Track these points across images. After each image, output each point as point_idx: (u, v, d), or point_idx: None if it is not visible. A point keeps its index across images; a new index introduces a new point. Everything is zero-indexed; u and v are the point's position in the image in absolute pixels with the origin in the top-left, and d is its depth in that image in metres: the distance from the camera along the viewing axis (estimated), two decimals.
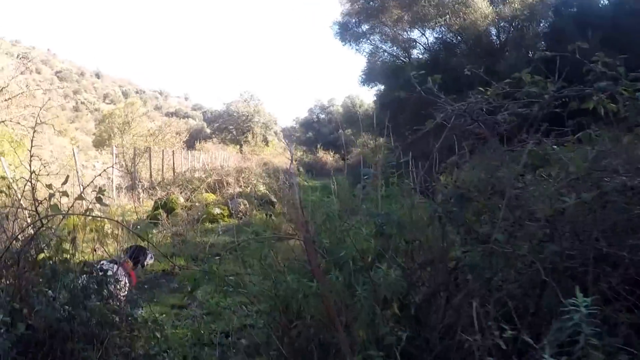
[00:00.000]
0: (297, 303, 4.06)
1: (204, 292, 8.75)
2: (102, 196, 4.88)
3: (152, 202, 19.15)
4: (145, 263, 7.91)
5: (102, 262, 7.11)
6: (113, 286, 5.43)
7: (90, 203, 5.11)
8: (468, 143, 4.02)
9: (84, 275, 5.03)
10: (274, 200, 18.93)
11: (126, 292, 7.11)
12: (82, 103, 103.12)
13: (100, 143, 39.43)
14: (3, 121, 21.41)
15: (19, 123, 21.90)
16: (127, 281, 7.20)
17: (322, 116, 79.32)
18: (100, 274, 5.20)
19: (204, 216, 16.03)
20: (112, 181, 22.48)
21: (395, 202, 4.50)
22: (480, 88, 4.03)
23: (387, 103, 28.72)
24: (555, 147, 3.58)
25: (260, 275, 5.06)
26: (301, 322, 4.17)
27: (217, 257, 11.67)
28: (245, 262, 5.72)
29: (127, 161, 28.54)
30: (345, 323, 3.65)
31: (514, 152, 3.71)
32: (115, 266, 7.00)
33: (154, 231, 14.28)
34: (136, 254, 7.71)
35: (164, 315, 7.41)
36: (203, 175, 21.56)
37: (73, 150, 20.70)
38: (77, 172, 19.10)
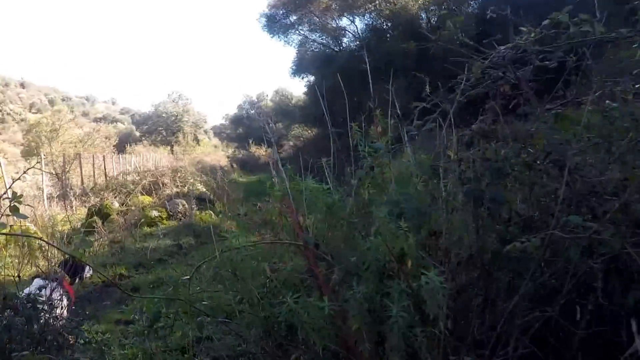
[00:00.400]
0: (303, 331, 2.95)
1: (152, 302, 8.21)
2: (17, 205, 3.67)
3: (86, 210, 18.33)
4: (84, 276, 7.27)
5: (35, 278, 6.50)
6: (48, 315, 4.80)
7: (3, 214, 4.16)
8: (492, 105, 3.23)
9: (7, 311, 4.32)
10: (213, 198, 18.37)
11: (65, 314, 6.53)
12: (8, 114, 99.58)
13: (28, 153, 37.93)
14: None
15: None
16: (65, 300, 6.61)
17: (252, 111, 78.93)
18: (29, 305, 4.52)
19: (142, 220, 15.37)
20: (42, 191, 21.51)
21: (404, 186, 3.33)
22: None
23: (321, 93, 28.45)
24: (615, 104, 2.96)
25: (244, 296, 3.72)
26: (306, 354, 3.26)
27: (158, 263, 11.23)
28: (220, 278, 4.07)
29: (57, 169, 27.51)
30: (371, 353, 2.84)
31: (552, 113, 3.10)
32: (51, 283, 6.41)
33: (91, 239, 13.56)
34: (73, 268, 7.09)
35: (108, 334, 6.87)
36: (137, 178, 20.75)
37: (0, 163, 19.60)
38: (5, 183, 18.08)
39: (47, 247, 13.84)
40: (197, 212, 16.39)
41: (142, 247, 11.90)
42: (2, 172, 18.57)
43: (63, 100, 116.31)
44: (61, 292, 6.54)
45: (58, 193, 24.33)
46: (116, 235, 12.70)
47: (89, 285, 9.50)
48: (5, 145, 72.09)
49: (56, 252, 12.36)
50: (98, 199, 18.50)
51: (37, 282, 6.40)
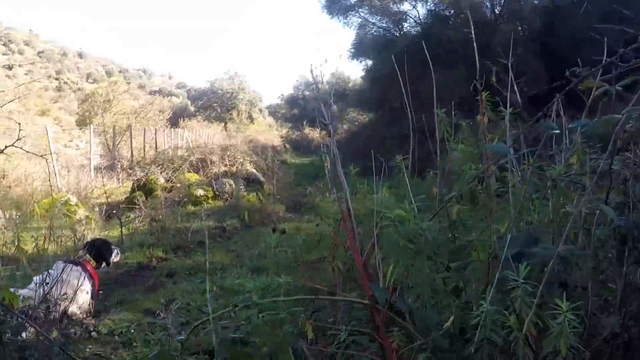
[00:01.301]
0: None
1: (184, 293, 7.54)
2: None
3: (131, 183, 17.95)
4: (111, 260, 6.61)
5: (57, 262, 5.90)
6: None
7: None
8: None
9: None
10: (262, 179, 17.71)
11: (87, 301, 5.92)
12: (65, 83, 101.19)
13: (82, 122, 37.97)
14: None
15: None
16: (88, 286, 6.00)
17: (307, 93, 78.32)
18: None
19: (186, 198, 14.81)
20: (90, 161, 21.22)
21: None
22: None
23: (377, 78, 27.67)
24: None
25: None
26: None
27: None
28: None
29: (107, 140, 27.30)
30: None
31: None
32: (74, 267, 5.81)
33: (131, 216, 13.09)
34: (99, 250, 6.44)
35: (133, 327, 6.23)
36: (185, 154, 20.21)
37: (46, 128, 19.34)
38: (51, 151, 17.79)
39: (91, 218, 13.43)
40: (244, 193, 15.78)
41: (184, 228, 11.30)
42: (48, 141, 18.26)
43: (120, 71, 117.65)
44: (84, 276, 5.92)
45: (106, 164, 24.10)
46: (157, 213, 12.09)
47: (123, 267, 8.91)
48: (61, 114, 73.18)
49: (90, 230, 11.90)
50: (143, 173, 18.01)
51: (59, 265, 5.81)
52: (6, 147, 4.88)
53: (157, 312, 6.82)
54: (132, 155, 25.62)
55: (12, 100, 17.58)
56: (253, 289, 2.50)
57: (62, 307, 5.37)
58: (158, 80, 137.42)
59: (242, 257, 9.46)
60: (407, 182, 2.75)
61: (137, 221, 12.12)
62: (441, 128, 2.80)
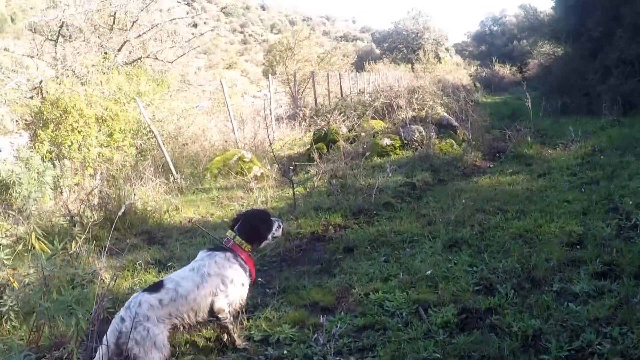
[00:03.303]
0: None
1: (363, 277, 5.84)
2: None
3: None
4: (272, 237, 4.93)
5: (201, 251, 4.47)
6: None
7: None
8: None
9: None
10: (456, 124, 15.56)
11: (241, 297, 4.68)
12: (250, 35, 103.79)
13: (268, 72, 37.84)
14: (139, 58, 19.94)
15: (156, 58, 20.38)
16: (243, 276, 4.59)
17: (495, 28, 74.52)
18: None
19: (370, 150, 13.17)
20: (270, 112, 20.27)
21: None
22: None
23: (572, 6, 24.29)
24: None
25: None
26: None
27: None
28: None
29: (292, 88, 26.51)
30: None
31: None
32: (219, 255, 4.52)
33: (310, 171, 11.73)
34: (253, 228, 4.77)
35: (292, 332, 4.67)
36: (369, 99, 18.43)
37: (221, 82, 18.53)
38: (227, 104, 16.96)
39: (267, 175, 12.30)
40: (436, 141, 13.80)
41: (367, 186, 9.60)
42: (224, 93, 17.40)
43: (303, 20, 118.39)
44: (235, 268, 4.53)
45: (287, 114, 23.19)
46: (337, 169, 10.51)
47: (294, 238, 7.40)
48: (248, 65, 75.05)
49: (263, 189, 10.61)
50: (324, 123, 16.57)
51: (202, 255, 4.58)
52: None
53: (328, 307, 5.24)
54: (315, 103, 24.53)
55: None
56: None
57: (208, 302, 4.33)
58: (342, 25, 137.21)
59: (435, 224, 7.57)
60: None
61: (315, 178, 10.64)
62: None
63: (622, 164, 10.36)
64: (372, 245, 6.95)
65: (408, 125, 14.47)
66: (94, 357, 3.87)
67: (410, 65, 50.63)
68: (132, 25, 19.61)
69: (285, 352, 4.39)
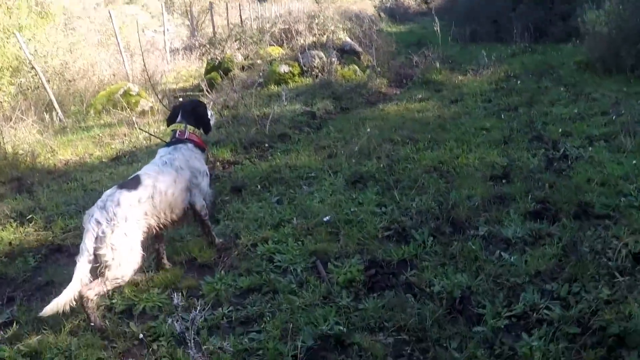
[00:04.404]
0: None
1: (252, 223, 5.10)
2: None
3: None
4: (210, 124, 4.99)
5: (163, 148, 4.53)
6: None
7: None
8: None
9: None
10: (359, 49, 14.83)
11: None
12: None
13: (170, 7, 35.99)
14: None
15: None
16: (206, 168, 4.68)
17: None
18: None
19: (266, 78, 12.33)
20: (164, 43, 19.09)
21: None
22: None
23: None
24: None
25: None
26: None
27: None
28: None
29: (190, 20, 25.40)
30: None
31: None
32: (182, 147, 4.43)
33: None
34: (197, 115, 4.75)
35: (162, 306, 3.95)
36: (268, 26, 17.43)
37: (109, 12, 17.10)
38: (117, 37, 15.64)
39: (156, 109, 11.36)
40: (338, 67, 13.06)
41: (263, 115, 8.81)
42: (113, 26, 16.04)
43: None
44: (199, 158, 4.57)
45: (184, 46, 22.16)
46: (229, 98, 9.65)
47: None
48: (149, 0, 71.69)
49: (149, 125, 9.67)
50: (219, 52, 15.54)
51: (166, 149, 4.44)
52: None
53: (207, 264, 4.49)
54: (214, 35, 23.45)
55: None
56: None
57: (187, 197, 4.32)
58: None
59: (337, 157, 6.88)
60: None
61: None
62: None
63: (540, 89, 10.12)
64: (263, 184, 6.19)
65: (307, 51, 13.64)
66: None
67: None
68: None
69: (149, 327, 3.59)
